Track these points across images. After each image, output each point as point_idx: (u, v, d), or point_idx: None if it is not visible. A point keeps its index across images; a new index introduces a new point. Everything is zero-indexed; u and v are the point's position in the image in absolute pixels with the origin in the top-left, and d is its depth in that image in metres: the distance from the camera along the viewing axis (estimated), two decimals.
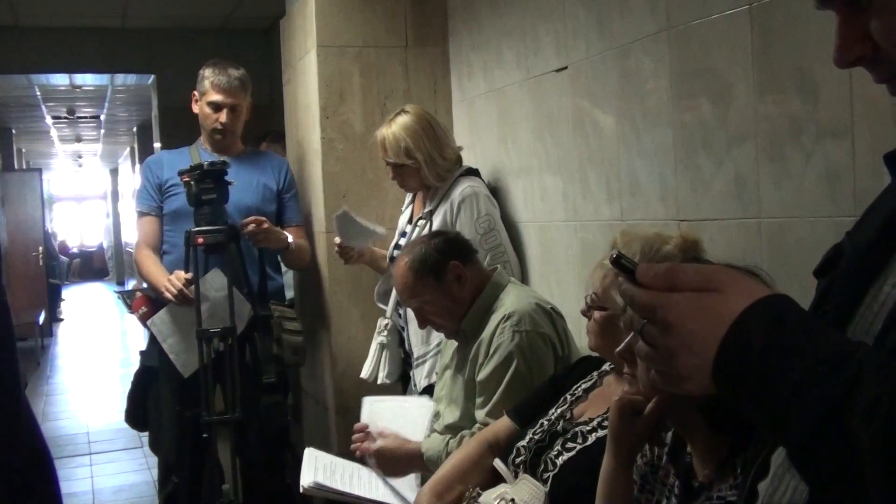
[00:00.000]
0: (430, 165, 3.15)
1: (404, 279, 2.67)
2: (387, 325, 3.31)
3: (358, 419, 2.97)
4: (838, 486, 0.77)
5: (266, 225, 3.50)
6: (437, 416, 2.79)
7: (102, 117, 12.60)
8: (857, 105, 1.77)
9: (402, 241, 3.27)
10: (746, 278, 0.87)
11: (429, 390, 3.06)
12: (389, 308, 3.32)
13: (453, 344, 2.80)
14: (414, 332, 3.15)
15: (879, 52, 0.89)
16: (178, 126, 5.60)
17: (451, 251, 2.68)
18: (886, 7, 0.86)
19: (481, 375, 2.57)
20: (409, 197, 3.43)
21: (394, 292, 3.20)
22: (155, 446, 4.00)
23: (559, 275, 3.01)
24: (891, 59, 0.89)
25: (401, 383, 3.43)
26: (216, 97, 3.64)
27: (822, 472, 0.79)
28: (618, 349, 1.54)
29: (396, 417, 2.85)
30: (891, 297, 0.90)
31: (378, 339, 3.33)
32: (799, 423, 0.78)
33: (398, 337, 3.32)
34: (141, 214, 3.73)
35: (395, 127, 3.16)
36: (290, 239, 3.66)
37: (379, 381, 3.32)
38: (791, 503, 0.92)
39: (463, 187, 3.14)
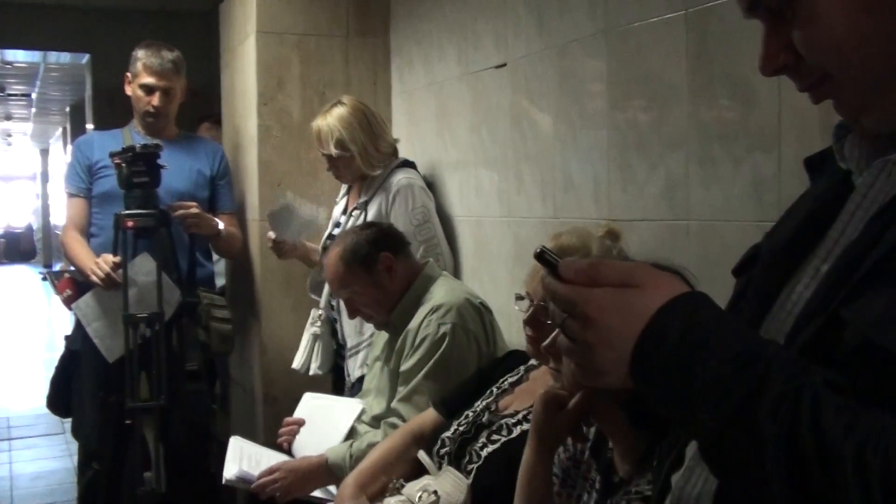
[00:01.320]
0: (364, 157, 3.14)
1: (335, 269, 2.67)
2: (320, 315, 3.30)
3: (285, 409, 2.96)
4: (743, 480, 0.79)
5: (196, 210, 3.45)
6: (363, 414, 2.78)
7: (34, 96, 12.30)
8: (786, 114, 1.81)
9: (336, 232, 3.26)
10: (666, 275, 0.89)
11: (363, 380, 3.06)
12: (323, 299, 3.31)
13: (384, 335, 2.80)
14: (347, 323, 3.14)
15: (802, 62, 0.91)
16: (113, 108, 5.49)
17: (383, 242, 2.68)
18: (808, 18, 0.88)
19: (405, 366, 2.58)
20: (344, 188, 3.42)
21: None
22: (77, 432, 3.92)
23: (492, 270, 3.02)
24: (812, 69, 0.91)
25: (332, 375, 3.42)
26: (148, 80, 3.58)
27: (728, 466, 0.81)
28: (543, 344, 1.56)
29: (323, 416, 2.85)
30: (803, 297, 0.92)
31: (311, 330, 3.31)
32: (707, 419, 0.79)
33: (331, 328, 3.30)
34: (70, 196, 3.66)
35: (331, 118, 3.14)
36: (221, 226, 3.62)
37: (311, 373, 3.30)
38: (701, 493, 0.94)
39: (399, 178, 3.14)
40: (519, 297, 1.92)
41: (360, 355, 3.13)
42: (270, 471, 2.60)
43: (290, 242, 3.38)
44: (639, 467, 1.48)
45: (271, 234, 3.38)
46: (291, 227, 3.37)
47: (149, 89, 3.59)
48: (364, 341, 3.12)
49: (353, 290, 2.67)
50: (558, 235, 1.98)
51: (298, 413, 2.94)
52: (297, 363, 3.35)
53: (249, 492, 2.77)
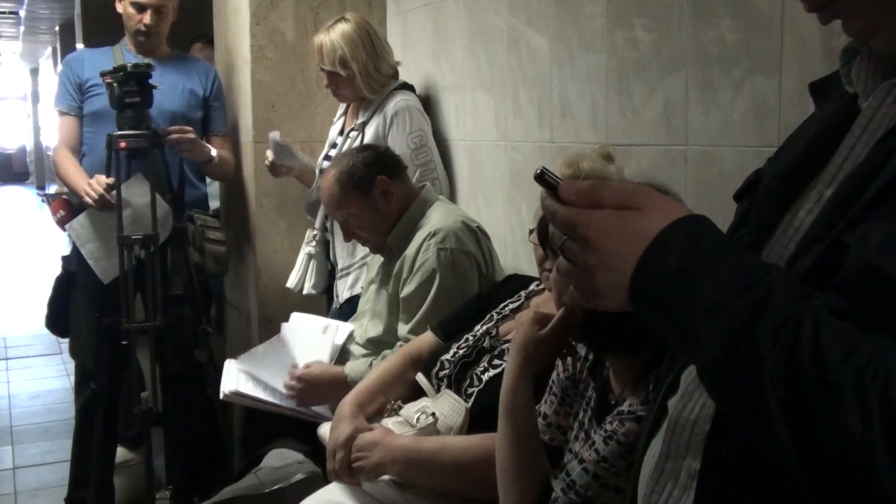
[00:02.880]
0: (364, 77, 3.10)
1: (331, 191, 2.66)
2: (315, 235, 3.30)
3: (280, 330, 2.98)
4: (742, 405, 0.79)
5: (192, 135, 3.42)
6: (350, 338, 2.80)
7: (22, 13, 12.08)
8: (788, 38, 1.78)
9: (332, 153, 3.24)
10: (667, 198, 0.88)
11: (351, 302, 3.07)
12: (318, 220, 3.30)
13: (379, 258, 2.80)
14: (340, 244, 3.15)
15: None
16: (103, 26, 5.40)
17: (379, 165, 2.66)
18: None
19: (405, 292, 2.58)
20: (341, 108, 3.39)
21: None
22: (75, 352, 3.95)
23: (487, 194, 3.01)
24: None
25: (326, 296, 3.43)
26: None
27: (727, 391, 0.81)
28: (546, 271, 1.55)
29: (308, 335, 2.86)
30: (805, 222, 0.92)
31: (306, 249, 3.32)
32: (707, 342, 0.79)
33: (325, 248, 3.31)
34: (60, 114, 3.61)
35: (334, 34, 3.09)
36: (214, 153, 3.58)
37: (305, 292, 3.31)
38: (698, 418, 0.95)
39: (397, 101, 3.10)
40: (532, 231, 1.92)
41: (350, 277, 3.14)
42: (293, 377, 2.63)
43: (287, 164, 3.36)
44: (633, 387, 1.49)
45: (270, 155, 3.35)
46: (287, 156, 3.34)
47: (140, 7, 3.52)
48: (355, 264, 3.13)
49: (348, 212, 2.67)
50: (573, 162, 1.95)
51: (283, 330, 2.94)
52: (291, 282, 3.36)
53: (245, 407, 2.81)
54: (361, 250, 3.05)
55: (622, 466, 1.43)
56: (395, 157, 2.78)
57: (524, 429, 1.60)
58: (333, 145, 3.29)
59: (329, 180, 2.66)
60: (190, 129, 3.42)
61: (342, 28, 3.09)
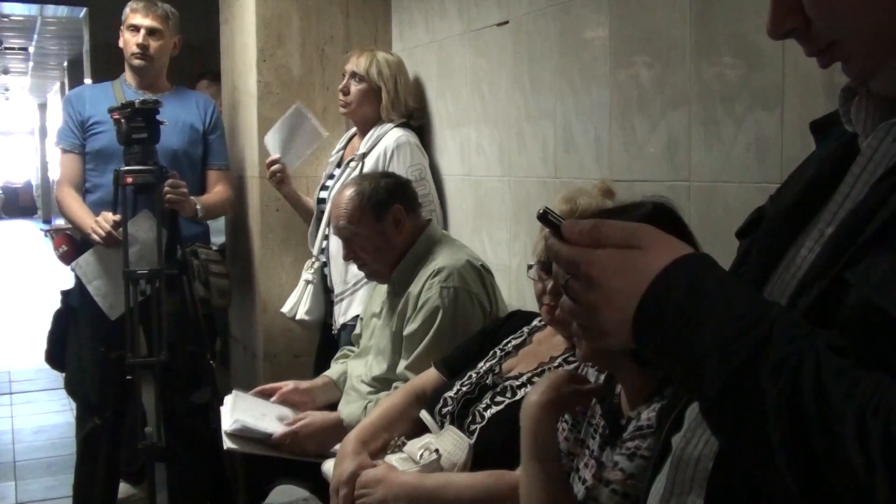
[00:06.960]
0: (393, 97, 3.24)
1: (345, 206, 2.66)
2: (313, 262, 3.32)
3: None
4: (745, 441, 0.80)
5: (184, 190, 3.38)
6: (343, 377, 2.82)
7: (31, 50, 12.21)
8: (790, 75, 1.79)
9: (329, 183, 3.30)
10: (669, 236, 0.89)
11: (346, 329, 3.13)
12: (315, 247, 3.31)
13: (381, 293, 2.81)
14: (336, 270, 3.19)
15: (810, 26, 0.90)
16: (111, 62, 5.43)
17: (399, 195, 2.69)
18: None
19: (408, 330, 2.58)
20: (342, 142, 3.43)
21: (321, 230, 3.23)
22: (70, 387, 3.93)
23: (492, 229, 3.02)
24: (820, 33, 0.90)
25: (321, 331, 3.45)
26: (134, 20, 3.57)
27: (730, 428, 0.81)
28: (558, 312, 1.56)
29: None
30: (807, 260, 0.92)
31: (304, 276, 3.35)
32: (710, 380, 0.79)
33: (323, 276, 3.32)
34: (63, 151, 3.63)
35: (378, 53, 3.30)
36: (198, 206, 3.54)
37: (298, 317, 3.33)
38: (702, 455, 0.95)
39: (398, 135, 3.20)
40: (530, 266, 1.92)
41: (344, 303, 3.18)
42: (292, 425, 2.66)
43: (289, 168, 3.41)
44: (648, 401, 1.48)
45: (276, 155, 3.39)
46: (294, 143, 3.37)
47: (135, 28, 3.56)
48: (347, 290, 3.15)
49: (357, 231, 2.66)
50: (571, 198, 1.96)
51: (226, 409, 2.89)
52: (286, 307, 3.39)
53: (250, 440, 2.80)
54: (353, 276, 3.09)
55: None
56: (413, 191, 2.80)
57: (556, 468, 1.59)
58: (331, 176, 3.34)
59: (346, 195, 2.67)
60: (183, 183, 3.39)
61: (383, 54, 3.31)
